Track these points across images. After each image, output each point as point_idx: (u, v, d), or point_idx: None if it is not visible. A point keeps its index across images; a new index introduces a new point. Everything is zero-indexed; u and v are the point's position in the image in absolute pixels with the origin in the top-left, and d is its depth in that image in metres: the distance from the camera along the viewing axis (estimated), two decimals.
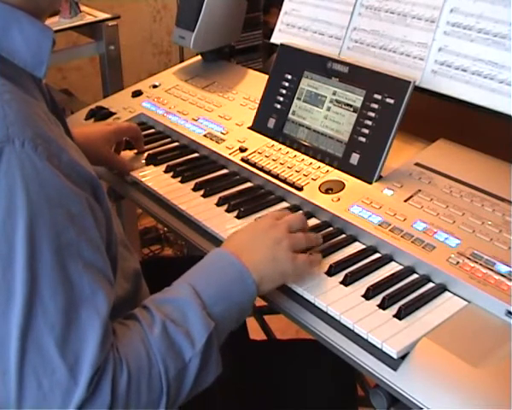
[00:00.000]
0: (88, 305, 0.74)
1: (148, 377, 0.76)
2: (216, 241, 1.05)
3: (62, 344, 0.71)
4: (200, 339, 0.80)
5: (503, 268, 0.88)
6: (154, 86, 1.61)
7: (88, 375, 0.71)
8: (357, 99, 1.16)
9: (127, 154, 1.34)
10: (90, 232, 0.77)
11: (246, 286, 0.86)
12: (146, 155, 1.32)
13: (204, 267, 0.89)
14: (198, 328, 0.80)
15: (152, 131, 1.45)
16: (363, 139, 1.14)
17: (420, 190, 1.06)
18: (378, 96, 1.13)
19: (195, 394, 0.82)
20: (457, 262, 0.91)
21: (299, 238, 0.93)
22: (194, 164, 1.29)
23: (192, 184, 1.21)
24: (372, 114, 1.13)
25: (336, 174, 1.14)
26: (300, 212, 1.06)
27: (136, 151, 1.33)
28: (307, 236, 0.95)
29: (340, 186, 1.11)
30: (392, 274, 0.94)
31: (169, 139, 1.40)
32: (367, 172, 1.11)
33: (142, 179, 1.25)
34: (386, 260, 0.97)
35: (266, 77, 1.34)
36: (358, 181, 1.12)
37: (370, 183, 1.10)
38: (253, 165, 1.21)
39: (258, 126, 1.32)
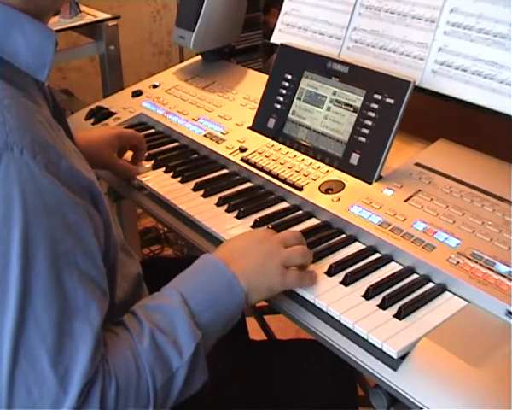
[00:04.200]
0: (81, 317, 0.74)
1: (136, 388, 0.76)
2: (216, 241, 1.05)
3: (54, 355, 0.71)
4: (187, 350, 0.80)
5: (503, 268, 0.88)
6: (154, 86, 1.61)
7: (78, 387, 0.71)
8: (357, 99, 1.16)
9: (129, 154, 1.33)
10: (86, 242, 0.77)
11: (234, 294, 0.86)
12: (146, 154, 1.32)
13: (193, 274, 0.89)
14: (186, 338, 0.80)
15: (152, 131, 1.45)
16: (363, 139, 1.14)
17: (420, 190, 1.06)
18: (378, 96, 1.13)
19: (182, 400, 0.82)
20: (457, 262, 0.91)
21: (294, 254, 0.92)
22: (194, 164, 1.29)
23: (192, 184, 1.20)
24: (372, 114, 1.13)
25: (336, 174, 1.14)
26: (298, 230, 1.02)
27: (132, 159, 1.30)
28: (303, 251, 0.94)
29: (340, 186, 1.11)
30: (392, 274, 0.94)
31: (169, 139, 1.40)
32: (367, 172, 1.11)
33: (142, 179, 1.24)
34: (386, 260, 0.97)
35: (266, 77, 1.34)
36: (358, 181, 1.12)
37: (370, 183, 1.10)
38: (253, 165, 1.21)
39: (258, 126, 1.32)
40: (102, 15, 2.24)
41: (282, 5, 1.47)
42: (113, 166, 1.27)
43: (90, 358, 0.73)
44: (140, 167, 1.28)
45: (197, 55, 1.70)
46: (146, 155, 1.31)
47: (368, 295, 0.89)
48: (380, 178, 1.11)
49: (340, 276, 0.94)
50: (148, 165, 1.29)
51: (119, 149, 1.29)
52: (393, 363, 0.80)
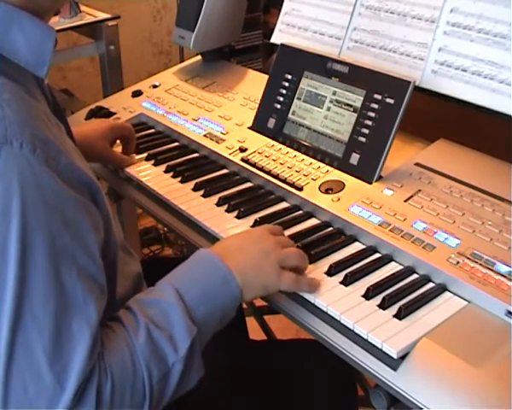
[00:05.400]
0: (79, 314, 0.74)
1: (131, 384, 0.76)
2: (216, 241, 1.05)
3: (51, 352, 0.71)
4: (183, 345, 0.80)
5: (503, 268, 0.88)
6: (154, 86, 1.61)
7: (75, 384, 0.71)
8: (357, 99, 1.16)
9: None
10: (85, 238, 0.77)
11: (229, 289, 0.86)
12: (146, 154, 1.32)
13: (188, 268, 0.88)
14: (181, 333, 0.80)
15: (152, 131, 1.45)
16: (363, 139, 1.14)
17: (420, 190, 1.06)
18: (378, 96, 1.13)
19: (178, 396, 0.82)
20: (457, 262, 0.91)
21: (290, 254, 0.92)
22: (194, 164, 1.29)
23: (192, 184, 1.20)
24: (372, 114, 1.13)
25: (336, 174, 1.14)
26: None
27: (122, 150, 1.33)
28: (300, 253, 0.93)
29: (340, 186, 1.11)
30: (392, 274, 0.94)
31: (169, 139, 1.40)
32: (367, 172, 1.11)
33: (142, 179, 1.25)
34: (386, 260, 0.97)
35: (266, 77, 1.34)
36: (358, 181, 1.12)
37: (370, 183, 1.10)
38: (253, 165, 1.21)
39: (258, 126, 1.32)
40: (102, 15, 2.24)
41: (282, 5, 1.47)
42: (108, 157, 1.29)
43: (88, 355, 0.73)
44: (132, 158, 1.31)
45: (197, 55, 1.70)
46: (146, 154, 1.32)
47: (368, 295, 0.89)
48: (380, 178, 1.11)
49: (340, 276, 0.94)
50: (141, 156, 1.32)
51: (110, 141, 1.31)
52: (393, 363, 0.80)
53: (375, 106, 1.13)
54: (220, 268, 0.86)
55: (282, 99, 1.29)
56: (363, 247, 1.01)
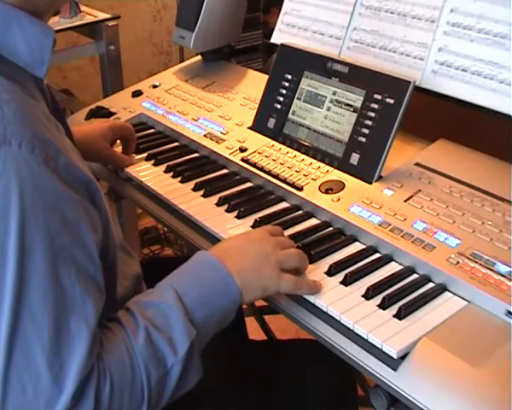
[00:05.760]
0: (78, 314, 0.73)
1: (130, 386, 0.76)
2: (216, 241, 1.05)
3: (49, 352, 0.71)
4: (182, 347, 0.80)
5: (503, 268, 0.88)
6: (154, 86, 1.61)
7: (73, 386, 0.71)
8: (357, 99, 1.16)
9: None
10: (84, 238, 0.77)
11: (229, 291, 0.86)
12: (146, 154, 1.32)
13: (188, 270, 0.88)
14: (180, 336, 0.80)
15: (152, 131, 1.45)
16: (363, 139, 1.14)
17: (420, 190, 1.06)
18: (378, 96, 1.13)
19: (177, 397, 0.82)
20: (457, 262, 0.91)
21: (290, 256, 0.92)
22: (194, 164, 1.29)
23: (192, 184, 1.20)
24: (372, 114, 1.13)
25: (336, 174, 1.14)
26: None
27: (122, 150, 1.33)
28: (300, 254, 0.93)
29: (340, 186, 1.11)
30: (392, 274, 0.94)
31: (169, 139, 1.40)
32: (367, 172, 1.11)
33: (142, 179, 1.25)
34: (386, 260, 0.97)
35: (266, 77, 1.34)
36: (358, 181, 1.12)
37: (370, 183, 1.10)
38: (253, 165, 1.21)
39: (259, 126, 1.32)
40: (102, 15, 2.24)
41: (282, 5, 1.47)
42: (108, 157, 1.29)
43: (86, 356, 0.73)
44: (132, 158, 1.31)
45: (197, 55, 1.70)
46: (146, 154, 1.32)
47: (368, 295, 0.89)
48: (380, 178, 1.11)
49: (340, 276, 0.94)
50: (141, 156, 1.32)
51: (111, 141, 1.31)
52: (393, 363, 0.80)
53: (375, 106, 1.13)
54: (220, 270, 0.86)
55: (282, 99, 1.29)
56: (363, 247, 1.01)
